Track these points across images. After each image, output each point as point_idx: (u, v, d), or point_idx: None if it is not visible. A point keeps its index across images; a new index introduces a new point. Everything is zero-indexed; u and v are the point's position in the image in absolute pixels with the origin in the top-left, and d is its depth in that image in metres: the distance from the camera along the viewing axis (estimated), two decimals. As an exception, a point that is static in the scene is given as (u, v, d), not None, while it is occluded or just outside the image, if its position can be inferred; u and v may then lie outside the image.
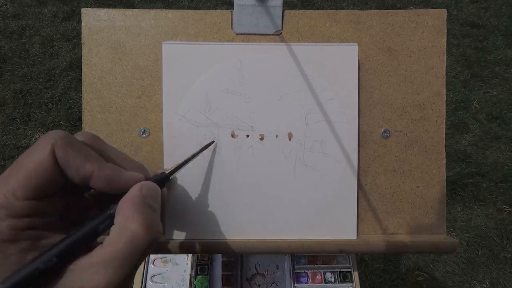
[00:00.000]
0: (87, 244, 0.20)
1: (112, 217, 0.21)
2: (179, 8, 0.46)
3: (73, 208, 0.23)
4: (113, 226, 0.20)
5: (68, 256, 0.19)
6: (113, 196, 0.22)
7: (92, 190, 0.24)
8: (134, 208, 0.20)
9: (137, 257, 0.19)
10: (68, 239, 0.19)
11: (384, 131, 0.37)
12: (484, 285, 1.03)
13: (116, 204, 0.21)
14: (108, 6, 1.82)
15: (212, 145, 0.35)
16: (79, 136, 0.22)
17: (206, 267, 0.54)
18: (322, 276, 0.54)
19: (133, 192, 0.21)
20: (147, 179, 0.24)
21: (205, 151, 0.34)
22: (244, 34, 0.37)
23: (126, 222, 0.19)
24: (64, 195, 0.22)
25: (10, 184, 0.18)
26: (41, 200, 0.19)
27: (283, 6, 0.36)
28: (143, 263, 0.56)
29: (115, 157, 0.23)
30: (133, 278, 0.19)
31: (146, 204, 0.21)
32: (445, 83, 0.38)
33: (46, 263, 0.18)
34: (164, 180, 0.26)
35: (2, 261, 0.17)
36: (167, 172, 0.27)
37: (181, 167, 0.29)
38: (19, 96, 1.41)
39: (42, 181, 0.19)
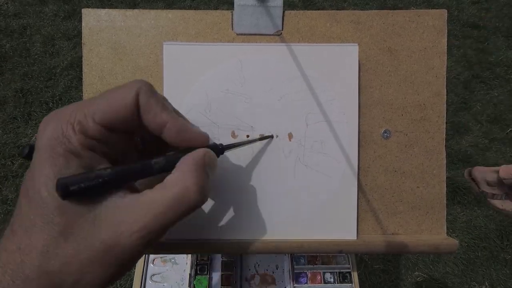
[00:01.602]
0: (140, 177, 0.21)
1: (169, 161, 0.22)
2: (181, 8, 0.46)
3: (130, 156, 0.25)
4: (169, 175, 0.21)
5: (123, 177, 0.20)
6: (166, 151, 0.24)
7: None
8: (194, 168, 0.21)
9: (180, 211, 0.20)
10: (124, 165, 0.21)
11: (385, 131, 0.37)
12: (484, 286, 1.03)
13: (174, 151, 0.23)
14: (110, 5, 1.82)
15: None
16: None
17: (206, 266, 0.54)
18: (322, 276, 0.54)
19: (198, 155, 0.22)
20: (209, 144, 0.25)
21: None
22: (245, 34, 0.37)
23: (184, 176, 0.21)
24: (130, 139, 0.24)
25: (92, 107, 0.20)
26: (110, 132, 0.21)
27: (283, 6, 0.36)
28: (142, 262, 0.56)
29: (183, 117, 0.26)
30: (163, 235, 0.20)
31: (205, 170, 0.22)
32: (445, 83, 0.38)
33: (108, 174, 0.19)
34: (220, 152, 0.28)
35: (65, 167, 0.19)
36: (224, 145, 0.28)
37: (235, 147, 0.30)
38: (20, 95, 1.41)
39: (120, 115, 0.21)
